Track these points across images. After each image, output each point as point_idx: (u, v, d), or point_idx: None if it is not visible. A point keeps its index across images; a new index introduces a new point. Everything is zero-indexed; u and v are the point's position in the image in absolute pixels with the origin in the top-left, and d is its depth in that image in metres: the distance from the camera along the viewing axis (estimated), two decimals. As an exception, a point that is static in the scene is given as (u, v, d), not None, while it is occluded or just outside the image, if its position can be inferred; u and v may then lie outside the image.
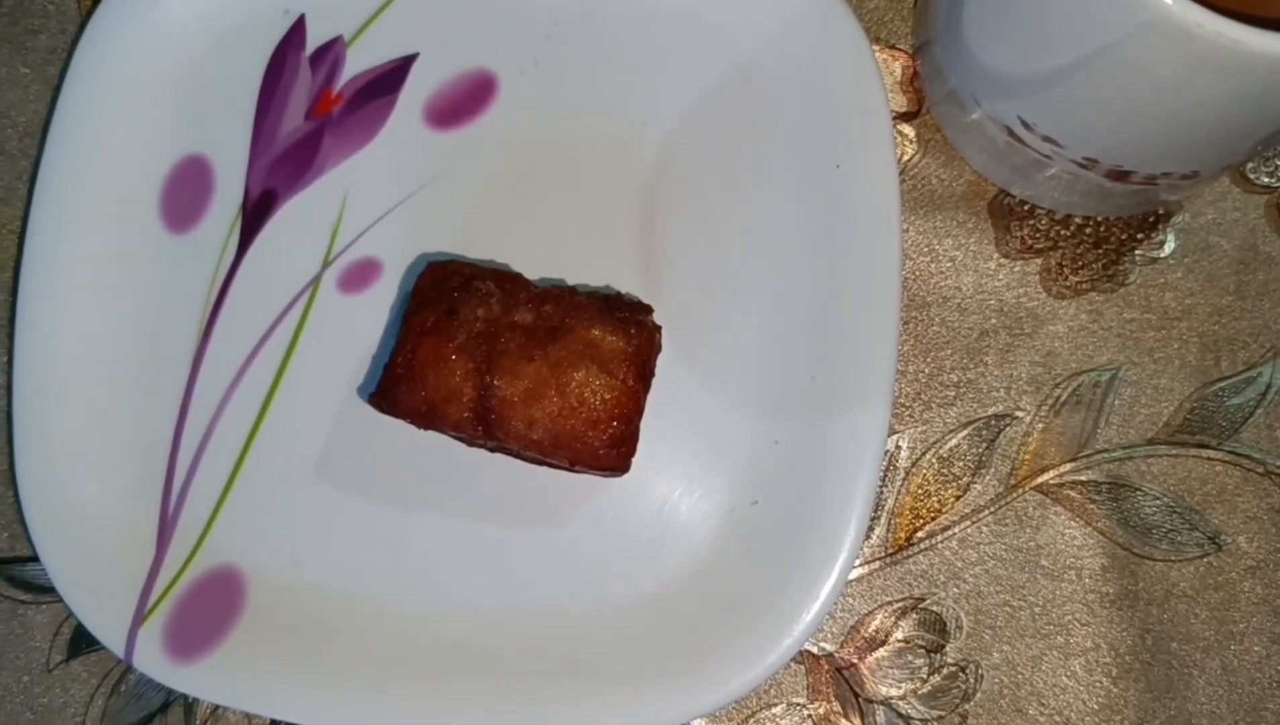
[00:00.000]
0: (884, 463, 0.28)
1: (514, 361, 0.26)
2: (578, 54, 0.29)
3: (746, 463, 0.28)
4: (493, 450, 0.28)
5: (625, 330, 0.26)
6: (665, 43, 0.29)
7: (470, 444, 0.28)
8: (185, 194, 0.29)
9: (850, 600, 0.28)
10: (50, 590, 0.28)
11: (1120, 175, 0.25)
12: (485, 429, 0.26)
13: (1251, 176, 0.29)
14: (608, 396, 0.26)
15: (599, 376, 0.26)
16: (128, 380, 0.28)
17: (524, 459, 0.28)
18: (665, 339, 0.28)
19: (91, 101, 0.29)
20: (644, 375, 0.26)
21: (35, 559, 0.28)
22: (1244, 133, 0.22)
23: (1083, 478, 0.28)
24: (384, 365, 0.27)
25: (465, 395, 0.26)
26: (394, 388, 0.26)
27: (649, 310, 0.27)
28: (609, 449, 0.26)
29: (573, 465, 0.26)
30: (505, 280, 0.27)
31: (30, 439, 0.28)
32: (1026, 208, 0.29)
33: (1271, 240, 0.29)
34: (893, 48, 0.30)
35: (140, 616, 0.27)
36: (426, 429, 0.27)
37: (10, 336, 0.28)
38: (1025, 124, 0.25)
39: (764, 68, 0.29)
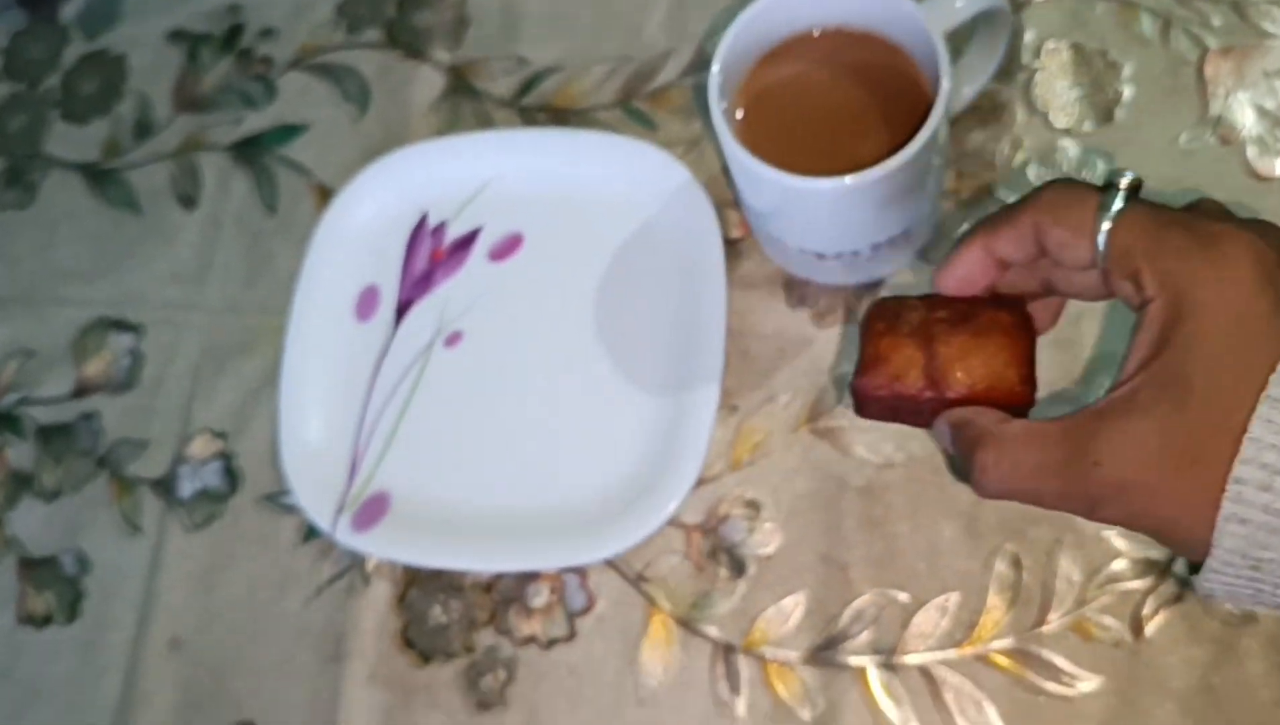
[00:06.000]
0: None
1: (946, 335, 0.36)
2: (559, 223, 0.55)
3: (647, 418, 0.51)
4: (930, 410, 0.37)
5: (1013, 307, 0.37)
6: (606, 209, 0.54)
7: (915, 412, 0.38)
8: (367, 302, 0.56)
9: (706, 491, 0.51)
10: (295, 509, 0.54)
11: (820, 256, 0.49)
12: (932, 384, 0.36)
13: (929, 256, 0.52)
14: (1015, 348, 0.36)
15: (1004, 338, 0.36)
16: (337, 394, 0.54)
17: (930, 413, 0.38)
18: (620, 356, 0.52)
19: (322, 259, 0.56)
20: (1031, 335, 0.37)
21: (288, 493, 0.54)
22: (850, 226, 0.46)
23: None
24: (856, 361, 0.38)
25: (917, 364, 0.36)
26: (866, 372, 0.37)
27: (1022, 298, 0.38)
28: (1021, 386, 0.36)
29: (996, 403, 0.36)
30: (925, 298, 0.38)
31: (289, 427, 0.53)
32: (803, 281, 0.53)
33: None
34: (734, 206, 0.54)
35: (338, 513, 0.52)
36: (892, 397, 0.37)
37: (280, 375, 0.55)
38: (767, 233, 0.49)
39: (661, 220, 0.54)
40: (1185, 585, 0.35)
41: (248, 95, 0.62)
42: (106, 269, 0.60)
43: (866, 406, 0.39)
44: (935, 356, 0.36)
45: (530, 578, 0.51)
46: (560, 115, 0.58)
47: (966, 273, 0.37)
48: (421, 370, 0.55)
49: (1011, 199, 0.52)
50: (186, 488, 0.55)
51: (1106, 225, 0.33)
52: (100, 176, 0.62)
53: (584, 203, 0.56)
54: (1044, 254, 0.36)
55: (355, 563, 0.53)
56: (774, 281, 0.53)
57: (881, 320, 0.38)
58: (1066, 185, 0.35)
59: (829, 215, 0.46)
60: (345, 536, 0.52)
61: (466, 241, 0.56)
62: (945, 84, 0.43)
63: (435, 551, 0.51)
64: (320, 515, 0.52)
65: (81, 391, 0.58)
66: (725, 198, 0.54)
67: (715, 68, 0.45)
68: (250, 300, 0.58)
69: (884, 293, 0.51)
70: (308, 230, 0.57)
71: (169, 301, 0.59)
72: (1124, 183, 0.34)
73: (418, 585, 0.52)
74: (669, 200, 0.54)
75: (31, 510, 0.57)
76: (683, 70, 0.58)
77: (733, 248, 0.54)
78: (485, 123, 0.59)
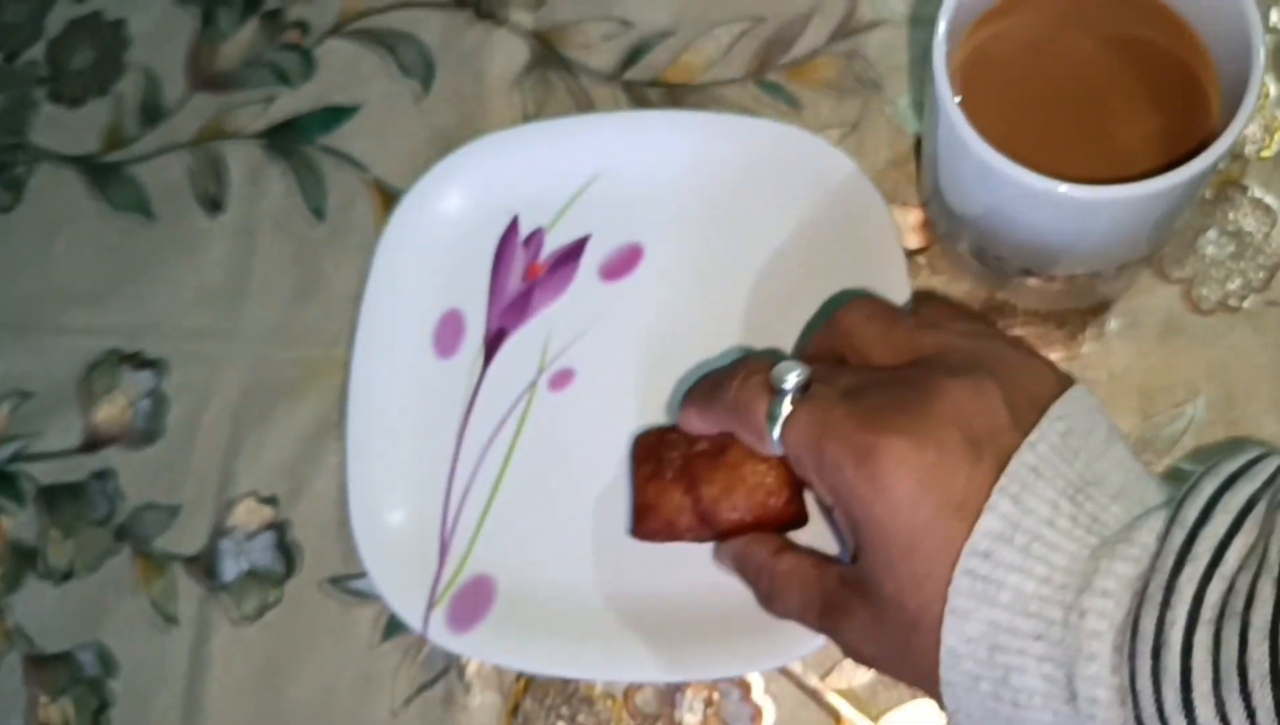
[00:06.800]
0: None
1: (707, 474, 0.36)
2: (687, 230, 0.45)
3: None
4: (716, 540, 0.38)
5: None
6: (747, 212, 0.44)
7: (699, 541, 0.38)
8: (448, 333, 0.45)
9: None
10: (371, 596, 0.43)
11: (1049, 278, 0.38)
12: (705, 523, 0.36)
13: (1167, 271, 0.42)
14: (772, 473, 0.36)
15: (762, 463, 0.36)
16: (417, 451, 0.43)
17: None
18: None
19: (388, 278, 0.45)
20: None
21: (361, 575, 0.43)
22: (1094, 243, 0.35)
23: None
24: (631, 506, 0.39)
25: (686, 509, 0.36)
26: (641, 522, 0.37)
27: None
28: (787, 507, 0.36)
29: (771, 526, 0.36)
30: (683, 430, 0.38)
31: (359, 494, 0.43)
32: (1008, 304, 0.42)
33: (1185, 316, 0.41)
34: (906, 205, 0.44)
35: (430, 607, 0.42)
36: (670, 541, 0.37)
37: (343, 427, 0.44)
38: (982, 250, 0.38)
39: (819, 226, 0.43)
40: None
41: (279, 69, 0.50)
42: (115, 288, 0.49)
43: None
44: (701, 499, 0.36)
45: (677, 685, 0.41)
46: (676, 92, 0.47)
47: (697, 430, 0.37)
48: (522, 419, 0.44)
49: (1269, 199, 0.43)
50: (230, 568, 0.44)
51: (776, 435, 0.33)
52: (101, 172, 0.50)
53: (717, 205, 0.45)
54: None
55: (451, 664, 0.42)
56: (969, 302, 0.43)
57: (646, 464, 0.38)
58: (748, 379, 0.35)
59: (1082, 231, 0.35)
60: (440, 636, 0.41)
61: (571, 254, 0.45)
62: (1258, 70, 0.33)
63: (554, 656, 0.40)
64: (408, 608, 0.42)
65: (92, 444, 0.47)
66: (895, 196, 0.44)
67: (941, 26, 0.35)
68: (299, 327, 0.47)
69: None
70: (367, 240, 0.46)
71: (196, 330, 0.48)
72: (789, 385, 0.33)
73: (533, 694, 0.41)
74: (827, 200, 0.43)
75: (38, 595, 0.46)
76: (832, 33, 0.47)
77: (910, 261, 0.43)
78: (582, 103, 0.48)
